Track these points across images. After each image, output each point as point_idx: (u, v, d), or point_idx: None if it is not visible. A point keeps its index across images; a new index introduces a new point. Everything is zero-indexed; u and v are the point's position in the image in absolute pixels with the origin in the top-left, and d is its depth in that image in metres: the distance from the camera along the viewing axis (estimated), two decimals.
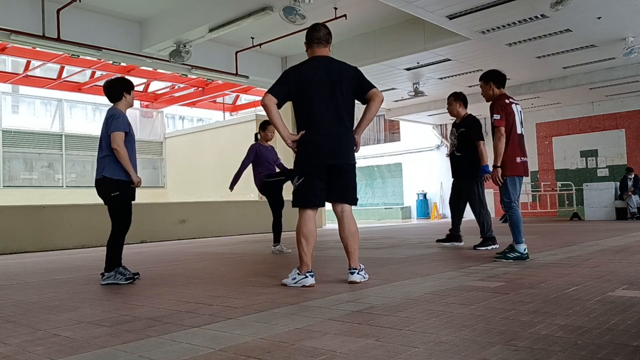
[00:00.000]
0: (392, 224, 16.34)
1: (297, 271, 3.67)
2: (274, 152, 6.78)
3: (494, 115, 4.66)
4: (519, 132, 4.77)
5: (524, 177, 4.92)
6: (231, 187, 6.70)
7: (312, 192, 3.65)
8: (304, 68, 3.76)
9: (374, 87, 3.79)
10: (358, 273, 3.67)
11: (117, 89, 4.29)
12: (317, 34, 3.85)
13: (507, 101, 4.77)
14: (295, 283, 3.61)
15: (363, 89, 3.76)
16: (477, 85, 5.40)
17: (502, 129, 4.64)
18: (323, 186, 3.67)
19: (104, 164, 4.18)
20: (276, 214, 6.56)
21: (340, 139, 3.67)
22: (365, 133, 24.37)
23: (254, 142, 6.80)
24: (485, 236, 5.96)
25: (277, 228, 6.58)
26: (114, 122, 4.13)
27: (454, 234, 6.51)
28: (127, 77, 5.60)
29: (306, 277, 3.60)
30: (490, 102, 4.85)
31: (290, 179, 5.93)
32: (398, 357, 1.86)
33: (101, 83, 15.79)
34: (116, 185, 4.17)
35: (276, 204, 6.55)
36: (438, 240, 6.77)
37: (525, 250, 4.69)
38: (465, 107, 6.23)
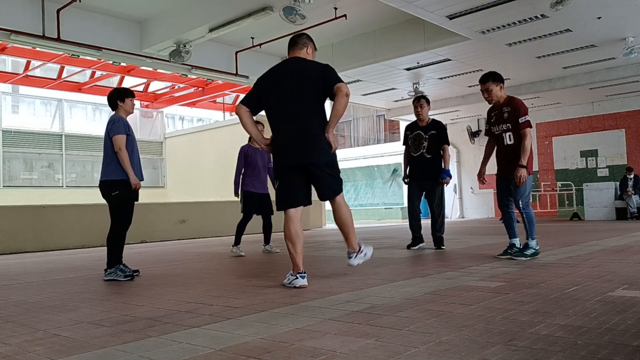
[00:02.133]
0: (392, 224, 16.34)
1: (291, 272, 3.75)
2: (266, 154, 6.67)
3: (525, 116, 4.77)
4: None
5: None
6: (236, 194, 6.70)
7: (287, 191, 3.75)
8: (268, 73, 3.87)
9: (340, 81, 3.70)
10: (356, 257, 3.87)
11: (112, 99, 4.64)
12: (296, 39, 3.94)
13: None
14: (289, 284, 3.67)
15: (329, 86, 3.69)
16: (477, 85, 5.40)
17: (530, 130, 4.79)
18: (299, 185, 3.74)
19: (106, 166, 4.49)
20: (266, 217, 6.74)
21: (304, 140, 3.67)
22: (366, 133, 24.35)
23: (244, 144, 6.76)
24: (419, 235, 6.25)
25: (267, 229, 6.77)
26: (114, 126, 4.47)
27: (417, 236, 6.35)
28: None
29: (297, 278, 3.65)
30: (512, 102, 4.88)
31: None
32: (398, 357, 1.86)
33: (101, 83, 15.83)
34: (116, 185, 4.43)
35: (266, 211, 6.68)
36: (409, 247, 6.46)
37: (537, 245, 4.89)
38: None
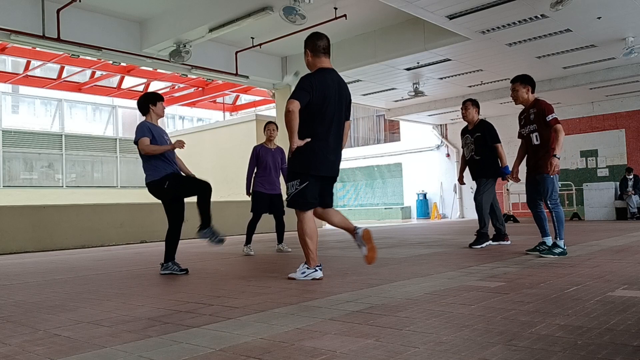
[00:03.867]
0: (392, 224, 16.34)
1: (306, 266, 3.85)
2: (279, 154, 6.70)
3: (552, 114, 4.92)
4: None
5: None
6: (248, 193, 6.71)
7: (314, 196, 3.92)
8: (323, 80, 3.90)
9: (349, 119, 4.16)
10: (359, 232, 3.95)
11: (144, 104, 4.84)
12: (323, 43, 4.00)
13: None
14: (305, 276, 3.79)
15: (346, 115, 4.08)
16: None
17: (560, 125, 4.93)
18: (318, 190, 3.97)
19: (145, 170, 4.72)
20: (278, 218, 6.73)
21: (340, 154, 4.06)
22: (366, 133, 24.37)
23: (256, 144, 6.82)
24: (481, 232, 6.15)
25: (279, 229, 6.76)
26: (136, 132, 4.69)
27: (501, 233, 6.47)
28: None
29: (316, 270, 3.86)
30: (537, 104, 5.03)
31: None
32: (398, 357, 1.86)
33: (101, 83, 15.83)
34: (161, 181, 4.63)
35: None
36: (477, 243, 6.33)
37: (565, 245, 4.97)
38: (479, 112, 6.47)
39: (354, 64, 11.48)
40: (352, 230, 3.98)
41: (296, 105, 3.75)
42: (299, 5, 7.84)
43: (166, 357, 1.98)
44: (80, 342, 2.28)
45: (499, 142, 6.23)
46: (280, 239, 6.78)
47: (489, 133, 6.20)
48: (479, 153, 6.19)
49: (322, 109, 3.85)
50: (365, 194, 23.00)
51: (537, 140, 5.02)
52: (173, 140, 4.71)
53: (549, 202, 4.96)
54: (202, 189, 4.67)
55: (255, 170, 6.63)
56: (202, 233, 4.64)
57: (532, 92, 5.12)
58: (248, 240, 6.56)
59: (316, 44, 3.98)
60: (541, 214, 5.14)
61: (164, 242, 4.84)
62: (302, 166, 3.88)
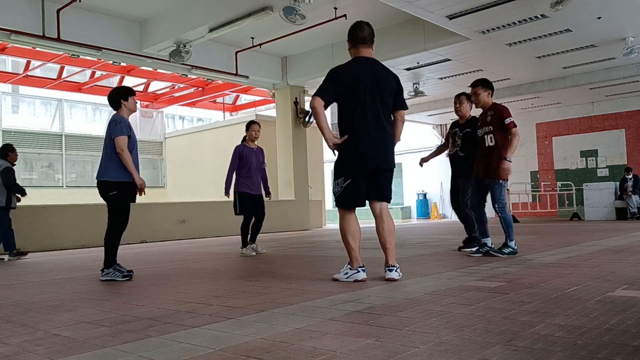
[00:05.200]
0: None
1: (349, 266, 3.72)
2: (260, 154, 6.65)
3: (509, 117, 5.01)
4: None
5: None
6: (226, 193, 6.65)
7: (358, 193, 3.72)
8: (354, 68, 3.73)
9: (405, 107, 3.90)
10: (395, 270, 3.69)
11: (115, 98, 4.60)
12: (362, 34, 3.81)
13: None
14: (348, 278, 3.68)
15: (397, 105, 3.84)
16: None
17: (516, 129, 5.02)
18: (366, 186, 3.74)
19: (106, 166, 4.46)
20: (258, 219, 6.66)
21: (386, 144, 3.74)
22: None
23: (238, 144, 6.71)
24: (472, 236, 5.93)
25: (256, 229, 6.67)
26: (116, 127, 4.43)
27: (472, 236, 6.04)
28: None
29: (358, 271, 3.68)
30: (496, 107, 5.16)
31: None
32: (398, 357, 1.86)
33: (101, 83, 15.82)
34: (115, 186, 4.42)
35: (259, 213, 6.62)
36: (460, 248, 6.21)
37: (515, 245, 5.18)
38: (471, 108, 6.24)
39: None
40: (387, 260, 3.73)
41: (318, 101, 3.58)
42: (299, 5, 7.84)
43: (166, 357, 1.98)
44: (80, 342, 2.28)
45: None
46: (253, 239, 6.65)
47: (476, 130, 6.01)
48: (464, 150, 5.96)
49: (354, 98, 3.66)
50: None
51: (491, 141, 5.09)
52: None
53: (496, 207, 5.08)
54: (126, 219, 4.51)
55: (233, 172, 6.52)
56: None
57: (491, 95, 5.29)
58: (244, 243, 6.51)
59: (355, 35, 3.81)
60: (481, 215, 5.31)
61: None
62: (345, 162, 3.72)
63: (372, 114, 3.67)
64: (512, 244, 5.10)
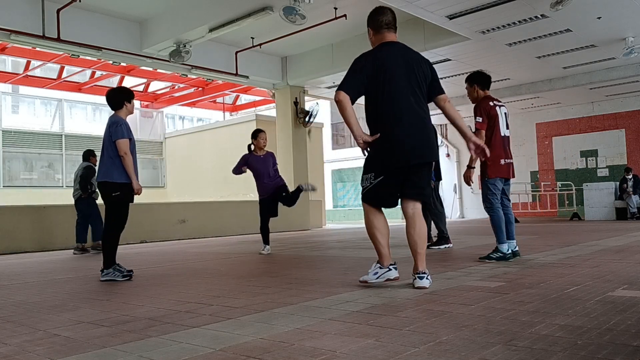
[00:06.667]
0: (393, 223, 16.29)
1: (379, 265, 3.41)
2: (270, 160, 6.64)
3: (477, 117, 4.69)
4: (502, 134, 4.77)
5: (512, 179, 4.93)
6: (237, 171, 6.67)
7: (390, 192, 3.39)
8: (382, 55, 3.40)
9: (444, 92, 3.57)
10: (427, 278, 3.34)
11: (119, 98, 4.56)
12: (386, 18, 3.53)
13: (490, 103, 4.78)
14: (378, 277, 3.38)
15: (433, 91, 3.51)
16: None
17: (483, 132, 4.67)
18: (399, 184, 3.38)
19: (108, 167, 4.44)
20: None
21: (424, 135, 3.36)
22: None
23: (246, 153, 6.70)
24: (444, 235, 6.40)
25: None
26: (118, 129, 4.42)
27: (430, 238, 6.48)
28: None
29: (389, 269, 3.39)
30: (477, 103, 4.85)
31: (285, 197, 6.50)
32: (398, 357, 1.86)
33: (101, 83, 15.81)
34: (118, 187, 4.44)
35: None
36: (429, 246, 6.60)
37: (508, 250, 4.73)
38: None
39: None
40: (416, 266, 3.38)
41: (343, 95, 3.24)
42: (299, 5, 7.84)
43: (166, 357, 1.98)
44: (80, 342, 2.28)
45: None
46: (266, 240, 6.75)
47: (435, 137, 6.34)
48: None
49: (383, 86, 3.30)
50: None
51: None
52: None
53: (484, 205, 4.78)
54: (125, 219, 4.56)
55: (242, 171, 6.62)
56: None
57: (481, 88, 4.90)
58: (265, 241, 6.62)
59: (378, 20, 3.54)
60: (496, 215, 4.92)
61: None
62: (377, 158, 3.35)
63: (408, 102, 3.33)
64: (503, 247, 4.70)
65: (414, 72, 3.38)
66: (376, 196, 3.40)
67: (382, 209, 3.50)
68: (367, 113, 3.43)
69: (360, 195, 3.63)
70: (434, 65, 3.67)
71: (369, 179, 3.39)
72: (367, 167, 3.43)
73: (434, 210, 6.40)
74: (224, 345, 2.12)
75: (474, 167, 4.73)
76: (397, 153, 3.29)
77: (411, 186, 3.39)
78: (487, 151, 3.70)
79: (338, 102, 3.29)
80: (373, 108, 3.39)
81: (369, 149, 3.41)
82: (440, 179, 6.54)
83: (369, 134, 3.38)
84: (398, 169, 3.33)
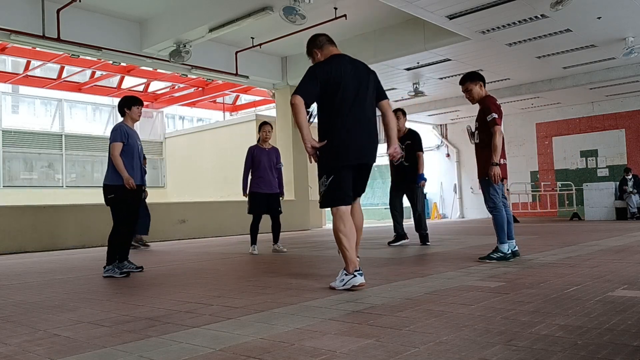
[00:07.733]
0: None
1: (345, 272, 3.44)
2: (274, 154, 6.74)
3: (492, 113, 4.62)
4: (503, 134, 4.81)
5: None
6: (244, 194, 6.72)
7: (345, 189, 3.53)
8: (333, 64, 3.61)
9: (387, 97, 3.85)
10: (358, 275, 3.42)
11: (120, 107, 5.09)
12: (324, 37, 3.86)
13: (497, 102, 4.82)
14: (344, 285, 3.39)
15: (379, 96, 3.78)
16: None
17: (501, 127, 4.66)
18: (351, 182, 3.58)
19: (106, 171, 4.89)
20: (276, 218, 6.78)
21: (371, 138, 3.62)
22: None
23: (252, 145, 6.81)
24: (401, 233, 6.95)
25: (274, 229, 6.81)
26: (112, 134, 4.88)
27: (401, 234, 7.05)
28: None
29: (355, 276, 3.40)
30: (483, 101, 4.78)
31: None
32: (398, 357, 1.86)
33: (101, 83, 15.82)
34: (112, 189, 4.80)
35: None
36: (389, 243, 7.10)
37: (508, 250, 4.73)
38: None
39: None
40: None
41: (298, 99, 3.43)
42: (299, 5, 7.84)
43: (166, 357, 1.98)
44: (80, 342, 2.28)
45: (422, 150, 6.81)
46: (276, 239, 6.81)
47: (415, 141, 6.77)
48: (408, 160, 6.71)
49: (336, 93, 3.52)
50: (365, 194, 23.00)
51: (476, 139, 4.81)
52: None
53: (487, 206, 4.75)
54: (134, 222, 4.94)
55: (251, 171, 6.63)
56: None
57: (484, 87, 4.85)
58: (252, 241, 6.62)
59: (318, 40, 3.82)
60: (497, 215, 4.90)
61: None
62: (327, 159, 3.53)
63: (359, 107, 3.56)
64: (504, 247, 4.69)
65: (361, 80, 3.64)
66: (334, 196, 3.52)
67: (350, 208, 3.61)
68: (319, 118, 3.64)
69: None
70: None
71: (323, 183, 3.56)
72: (320, 172, 3.60)
73: (417, 208, 6.84)
74: (224, 345, 2.12)
75: (499, 164, 4.61)
76: (346, 154, 3.51)
77: (356, 185, 3.67)
78: (402, 156, 4.02)
79: (293, 105, 3.47)
80: (324, 114, 3.61)
81: (317, 154, 3.57)
82: (425, 180, 6.90)
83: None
84: (347, 168, 3.54)
